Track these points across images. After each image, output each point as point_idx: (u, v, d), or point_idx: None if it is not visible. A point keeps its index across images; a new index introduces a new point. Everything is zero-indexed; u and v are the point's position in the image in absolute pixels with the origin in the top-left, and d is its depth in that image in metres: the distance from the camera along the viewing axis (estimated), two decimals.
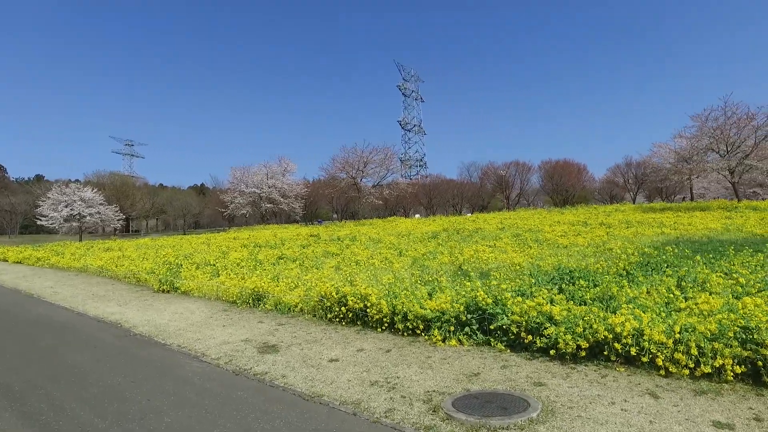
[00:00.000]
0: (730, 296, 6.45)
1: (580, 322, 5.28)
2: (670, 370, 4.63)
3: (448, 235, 22.82)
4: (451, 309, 6.37)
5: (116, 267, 17.16)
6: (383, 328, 7.09)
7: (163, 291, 12.31)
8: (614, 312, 5.56)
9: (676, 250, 10.80)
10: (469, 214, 52.67)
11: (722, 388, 4.33)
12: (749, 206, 28.91)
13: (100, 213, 50.95)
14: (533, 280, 8.53)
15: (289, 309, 9.00)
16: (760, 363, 4.34)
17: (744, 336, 4.55)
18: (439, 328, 6.37)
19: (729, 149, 29.61)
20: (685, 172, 39.69)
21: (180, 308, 9.92)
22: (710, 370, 4.44)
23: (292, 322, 8.15)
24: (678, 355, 4.58)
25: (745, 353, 4.41)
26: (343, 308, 7.69)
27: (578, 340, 5.10)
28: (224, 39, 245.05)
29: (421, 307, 6.76)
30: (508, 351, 5.75)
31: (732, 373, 4.38)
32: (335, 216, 74.12)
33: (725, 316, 4.81)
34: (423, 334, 6.60)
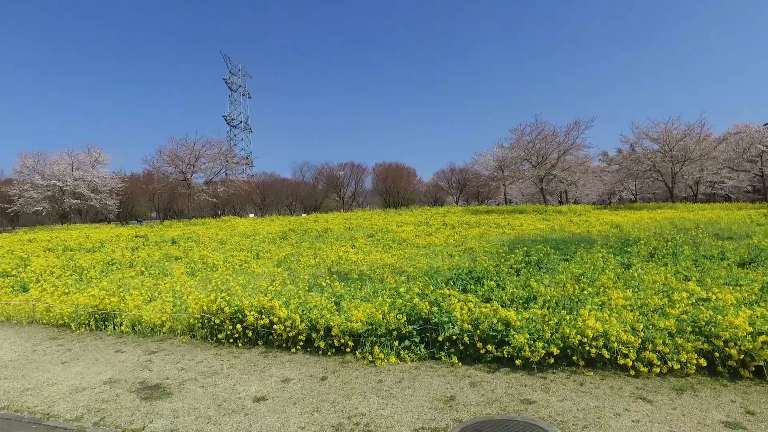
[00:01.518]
0: (630, 291, 6.86)
1: (545, 327, 4.92)
2: (640, 369, 4.52)
3: (298, 235, 21.70)
4: (392, 321, 5.47)
5: None
6: (298, 347, 5.83)
7: None
8: (570, 313, 5.35)
9: (545, 249, 11.62)
10: (305, 214, 51.89)
11: (691, 383, 4.36)
12: (554, 210, 34.19)
13: None
14: (448, 281, 8.14)
15: (153, 330, 7.00)
16: (716, 354, 4.46)
17: (699, 330, 4.67)
18: (375, 343, 5.42)
19: (539, 160, 34.67)
20: (502, 179, 45.39)
21: None
22: (678, 366, 4.44)
23: (166, 347, 6.26)
24: (648, 354, 4.50)
25: (703, 346, 4.50)
26: (239, 326, 6.14)
27: (549, 347, 4.71)
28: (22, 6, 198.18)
29: (347, 320, 5.71)
30: (461, 364, 5.12)
31: (694, 367, 4.44)
32: (154, 215, 65.74)
33: (683, 311, 4.92)
34: (351, 353, 5.57)
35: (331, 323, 5.65)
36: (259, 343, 6.14)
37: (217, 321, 6.36)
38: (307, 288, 8.89)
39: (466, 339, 5.17)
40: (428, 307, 5.64)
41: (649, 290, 7.10)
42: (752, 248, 10.77)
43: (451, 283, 8.66)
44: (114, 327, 7.26)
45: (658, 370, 4.50)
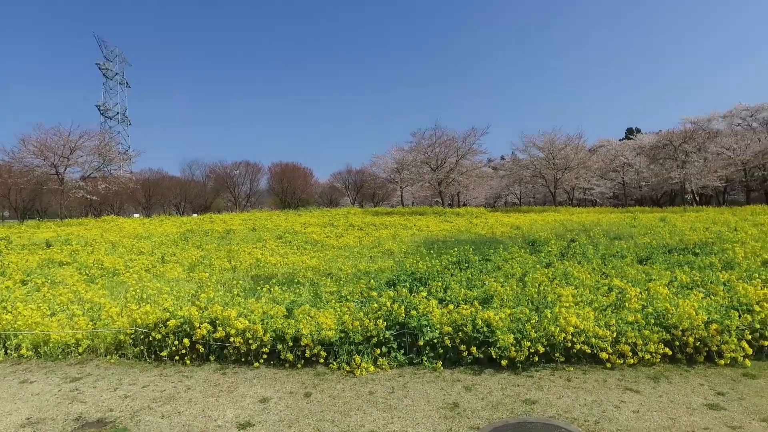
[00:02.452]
0: (572, 289, 7.29)
1: (527, 326, 4.98)
2: (615, 362, 4.78)
3: (199, 237, 20.15)
4: (371, 327, 5.15)
5: None
6: (260, 361, 5.24)
7: None
8: (537, 311, 5.49)
9: (468, 249, 12.02)
10: (195, 215, 48.59)
11: (660, 371, 4.75)
12: (452, 212, 35.89)
13: None
14: (390, 283, 7.98)
15: (65, 351, 5.85)
16: (677, 343, 4.88)
17: (659, 322, 5.07)
18: (352, 352, 5.08)
19: (438, 164, 36.22)
20: (399, 181, 46.58)
21: None
22: (649, 357, 4.76)
23: (90, 371, 5.25)
24: (623, 347, 4.77)
25: (665, 336, 4.90)
26: (186, 340, 5.37)
27: (535, 346, 4.78)
28: None
29: (317, 328, 5.28)
30: (442, 369, 4.99)
31: (659, 356, 4.80)
32: (7, 214, 56.70)
33: (642, 306, 5.30)
34: (324, 364, 5.15)
35: (303, 332, 5.17)
36: (211, 358, 5.42)
37: (158, 336, 5.49)
38: (242, 294, 8.24)
39: (448, 342, 5.06)
40: (404, 311, 5.43)
41: (584, 287, 7.63)
42: (645, 247, 12.16)
43: (394, 285, 8.57)
44: (6, 351, 5.94)
45: (631, 361, 4.79)
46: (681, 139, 34.84)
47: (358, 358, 4.94)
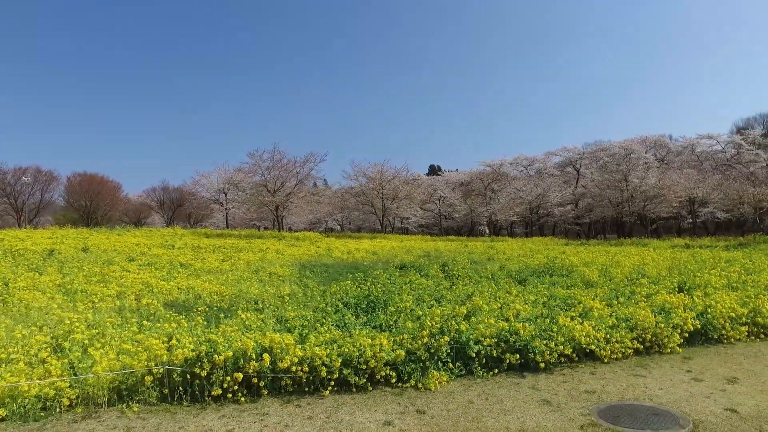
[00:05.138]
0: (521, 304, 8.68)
1: (552, 333, 6.07)
2: (609, 357, 6.20)
3: (17, 258, 16.18)
4: (442, 344, 5.55)
5: None
6: (329, 389, 5.09)
7: None
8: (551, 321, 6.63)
9: (385, 273, 12.75)
10: None
11: (638, 360, 6.33)
12: (291, 236, 35.77)
13: None
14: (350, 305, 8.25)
15: (43, 408, 4.59)
16: (640, 339, 6.59)
17: (627, 325, 6.73)
18: (419, 370, 5.39)
19: (277, 187, 35.95)
20: (224, 202, 44.44)
21: None
22: (629, 351, 6.32)
23: (126, 425, 4.32)
24: (615, 345, 6.23)
25: (634, 335, 6.56)
26: (238, 375, 4.85)
27: (564, 350, 5.89)
28: None
29: (381, 350, 5.40)
30: (491, 377, 5.69)
31: (632, 351, 6.42)
32: None
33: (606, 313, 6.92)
34: (391, 384, 5.32)
35: (367, 354, 5.24)
36: (263, 392, 5.02)
37: (203, 372, 4.82)
38: (204, 322, 7.52)
39: (494, 353, 5.80)
40: (456, 326, 5.97)
41: (518, 302, 9.12)
42: (516, 270, 14.61)
43: (346, 305, 8.87)
44: None
45: (619, 355, 6.27)
46: (490, 179, 42.19)
47: (436, 374, 5.30)
